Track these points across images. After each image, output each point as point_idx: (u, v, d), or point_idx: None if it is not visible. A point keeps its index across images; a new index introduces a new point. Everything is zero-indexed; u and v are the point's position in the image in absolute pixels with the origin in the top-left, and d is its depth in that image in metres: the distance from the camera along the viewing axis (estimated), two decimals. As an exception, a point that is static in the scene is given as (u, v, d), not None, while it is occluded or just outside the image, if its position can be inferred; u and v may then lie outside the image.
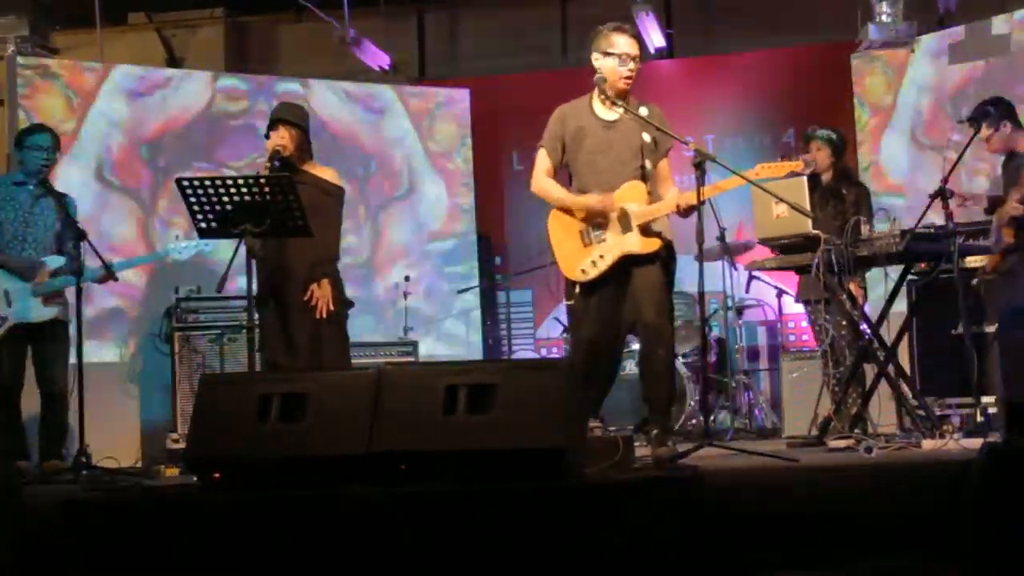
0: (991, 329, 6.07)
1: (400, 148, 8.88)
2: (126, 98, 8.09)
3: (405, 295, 8.19)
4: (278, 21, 10.09)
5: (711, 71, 9.43)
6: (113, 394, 7.40)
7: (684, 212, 4.88)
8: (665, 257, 4.93)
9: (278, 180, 5.03)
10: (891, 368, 5.70)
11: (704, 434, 5.28)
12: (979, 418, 5.53)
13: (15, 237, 6.04)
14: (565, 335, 7.82)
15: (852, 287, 5.84)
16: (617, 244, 4.91)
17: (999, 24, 7.87)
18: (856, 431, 5.52)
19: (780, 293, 7.76)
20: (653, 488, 3.74)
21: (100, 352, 7.59)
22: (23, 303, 5.98)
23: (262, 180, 5.01)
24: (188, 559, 3.67)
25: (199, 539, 3.69)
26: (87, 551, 3.74)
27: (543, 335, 9.23)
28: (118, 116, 8.05)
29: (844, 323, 5.91)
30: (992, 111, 5.74)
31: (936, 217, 5.62)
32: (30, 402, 6.11)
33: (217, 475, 4.02)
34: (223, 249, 6.10)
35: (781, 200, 5.29)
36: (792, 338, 8.53)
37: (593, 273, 4.93)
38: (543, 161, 5.08)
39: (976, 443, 4.47)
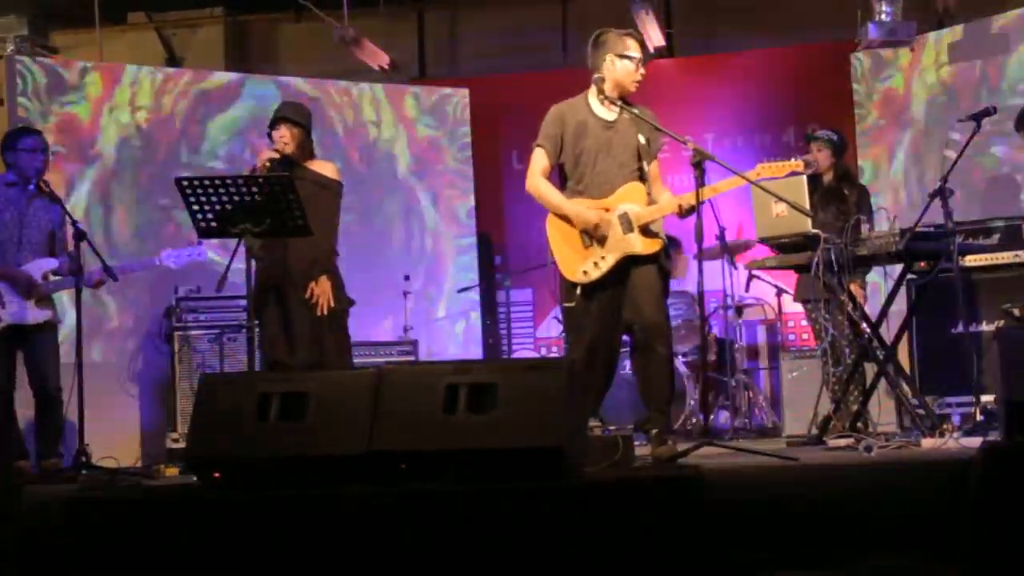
0: (990, 328, 6.07)
1: (400, 148, 8.88)
2: (127, 98, 8.08)
3: (405, 295, 8.20)
4: (278, 21, 10.07)
5: (711, 71, 9.41)
6: (113, 394, 7.41)
7: (684, 213, 4.89)
8: (662, 256, 4.94)
9: (278, 180, 5.03)
10: (891, 367, 5.70)
11: (704, 433, 5.28)
12: (978, 417, 5.52)
13: (10, 239, 6.01)
14: (564, 335, 7.80)
15: (853, 287, 5.84)
16: (619, 245, 4.90)
17: (999, 24, 7.87)
18: (856, 430, 5.52)
19: (780, 292, 7.75)
20: (653, 487, 3.74)
21: (100, 352, 7.59)
22: (18, 305, 5.96)
23: (262, 180, 5.01)
24: (188, 559, 3.67)
25: (199, 539, 3.70)
26: (87, 551, 3.75)
27: (543, 335, 9.21)
28: (118, 116, 8.04)
29: (844, 322, 5.91)
30: None
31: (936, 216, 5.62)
32: (24, 404, 6.10)
33: (217, 475, 4.02)
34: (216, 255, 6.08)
35: (781, 199, 5.29)
36: (792, 337, 8.52)
37: (595, 274, 4.91)
38: (540, 160, 5.05)
39: (976, 442, 4.48)
